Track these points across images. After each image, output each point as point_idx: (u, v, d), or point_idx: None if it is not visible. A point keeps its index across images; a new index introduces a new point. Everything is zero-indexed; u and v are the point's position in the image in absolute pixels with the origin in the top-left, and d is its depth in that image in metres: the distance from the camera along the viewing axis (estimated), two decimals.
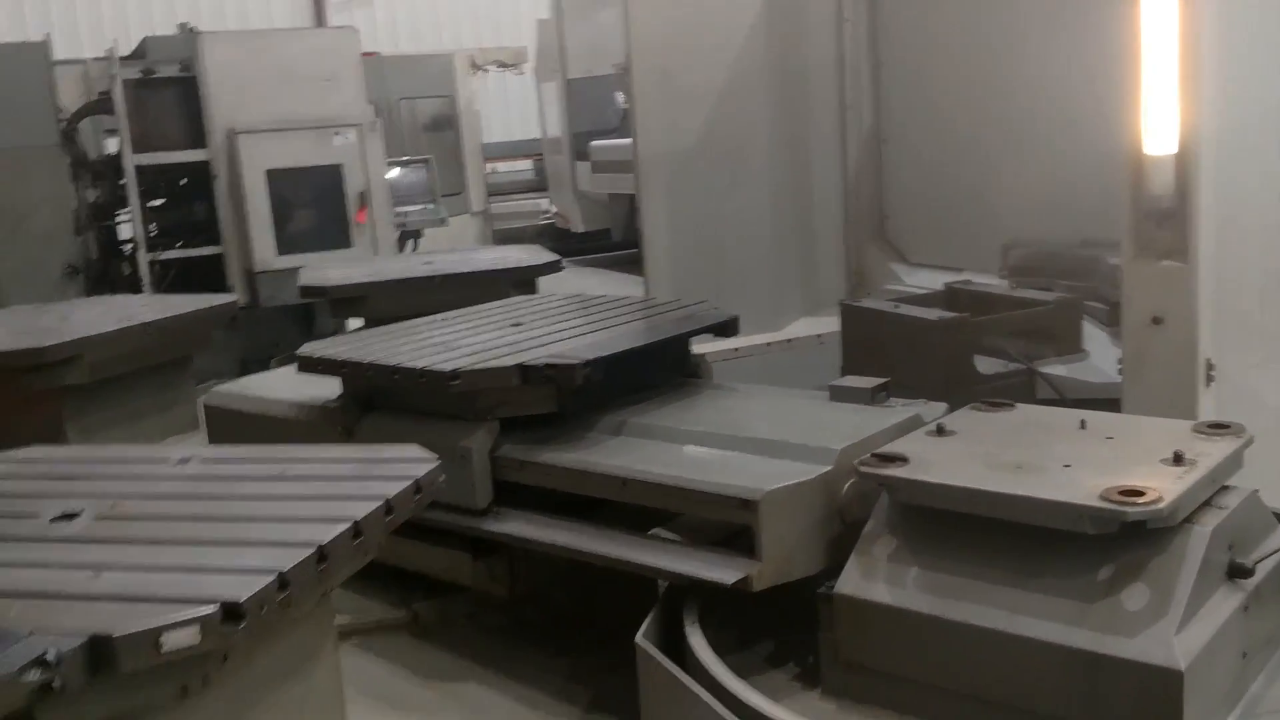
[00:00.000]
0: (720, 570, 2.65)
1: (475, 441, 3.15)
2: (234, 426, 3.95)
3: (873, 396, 3.09)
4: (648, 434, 3.13)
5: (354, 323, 5.99)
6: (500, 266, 5.26)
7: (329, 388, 3.66)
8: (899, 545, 2.43)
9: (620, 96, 10.71)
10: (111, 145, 8.32)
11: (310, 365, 3.55)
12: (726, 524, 2.76)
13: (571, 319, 3.79)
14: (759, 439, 2.90)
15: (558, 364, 3.10)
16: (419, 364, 3.24)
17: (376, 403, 3.51)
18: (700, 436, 3.02)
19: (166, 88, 8.01)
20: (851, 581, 2.44)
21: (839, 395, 3.17)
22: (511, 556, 3.29)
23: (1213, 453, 2.32)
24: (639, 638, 2.65)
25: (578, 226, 12.99)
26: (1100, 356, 4.35)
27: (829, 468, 2.68)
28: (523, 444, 3.18)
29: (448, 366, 3.15)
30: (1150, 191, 3.16)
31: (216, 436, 4.10)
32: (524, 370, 3.12)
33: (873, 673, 2.41)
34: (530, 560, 3.28)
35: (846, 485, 2.67)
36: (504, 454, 3.18)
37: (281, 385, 4.03)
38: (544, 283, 5.28)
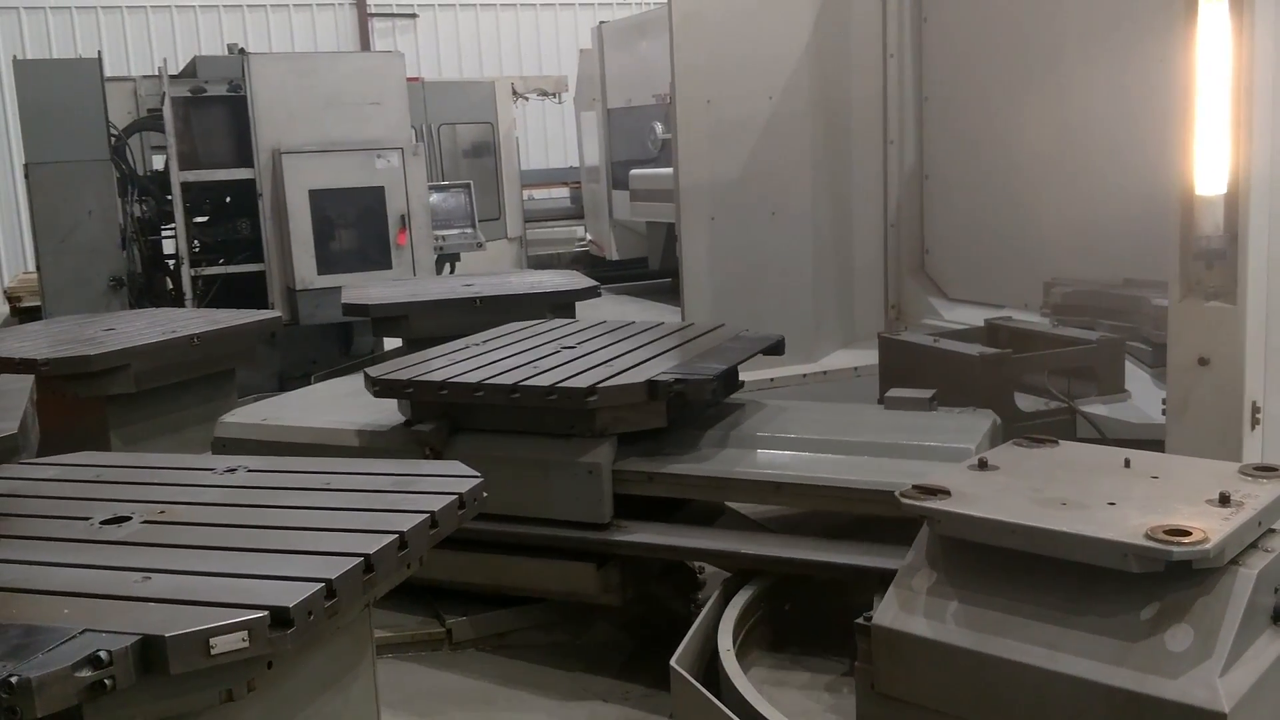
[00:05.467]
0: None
1: (601, 457, 3.22)
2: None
3: (930, 404, 3.16)
4: (757, 444, 3.22)
5: (391, 342, 6.03)
6: (540, 290, 5.29)
7: (349, 412, 3.64)
8: (938, 579, 2.41)
9: (659, 126, 10.76)
10: (159, 161, 8.44)
11: (392, 389, 3.45)
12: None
13: (621, 341, 3.83)
14: (878, 443, 3.03)
15: (688, 379, 3.19)
16: (544, 382, 3.27)
17: (460, 424, 3.45)
18: (816, 444, 3.13)
19: (215, 106, 8.13)
20: (889, 613, 2.43)
21: (895, 404, 3.23)
22: (622, 566, 3.35)
23: (1260, 495, 2.30)
24: (673, 662, 2.65)
25: (611, 254, 13.03)
26: (1142, 397, 4.30)
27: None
28: (645, 457, 3.26)
29: (581, 384, 3.21)
30: (1200, 232, 3.13)
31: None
32: (652, 386, 3.19)
33: (908, 705, 2.39)
34: (638, 568, 3.38)
35: None
36: (627, 468, 3.24)
37: (295, 412, 3.97)
38: (580, 308, 5.31)
